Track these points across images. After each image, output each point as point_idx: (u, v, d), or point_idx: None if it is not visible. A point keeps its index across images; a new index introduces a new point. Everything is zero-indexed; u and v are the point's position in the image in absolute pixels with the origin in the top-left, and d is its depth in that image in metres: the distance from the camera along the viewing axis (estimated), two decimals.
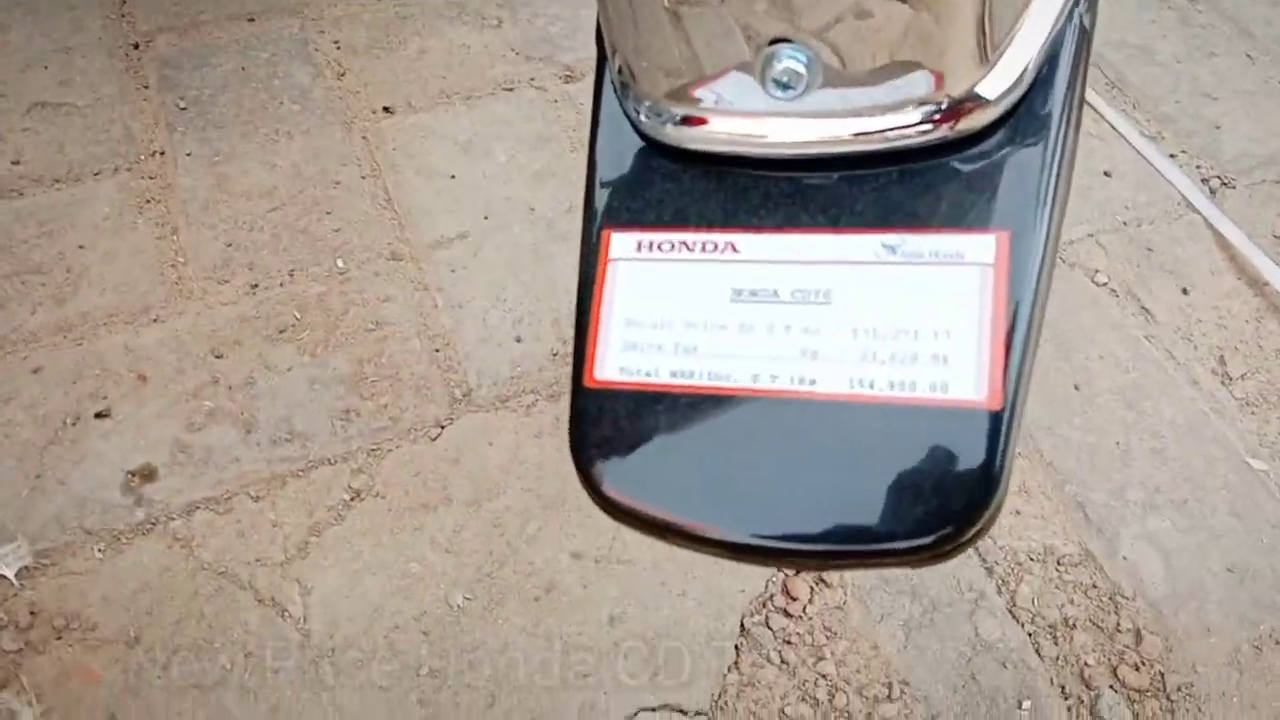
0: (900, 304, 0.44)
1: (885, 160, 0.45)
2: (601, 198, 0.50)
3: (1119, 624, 0.94)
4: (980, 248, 0.43)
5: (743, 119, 0.46)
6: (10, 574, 0.95)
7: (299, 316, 1.14)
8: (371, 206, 1.25)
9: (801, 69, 0.43)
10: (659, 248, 0.48)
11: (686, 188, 0.49)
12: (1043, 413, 1.07)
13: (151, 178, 1.29)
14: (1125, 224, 1.26)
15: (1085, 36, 0.47)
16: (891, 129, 0.44)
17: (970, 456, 0.41)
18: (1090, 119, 1.38)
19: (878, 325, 0.44)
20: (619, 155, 0.50)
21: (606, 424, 0.47)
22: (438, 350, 1.12)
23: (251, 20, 1.47)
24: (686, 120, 0.47)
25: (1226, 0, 1.58)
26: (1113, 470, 1.04)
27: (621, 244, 0.49)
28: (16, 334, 1.12)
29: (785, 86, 0.44)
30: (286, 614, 0.94)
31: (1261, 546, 0.99)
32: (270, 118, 1.35)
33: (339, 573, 0.96)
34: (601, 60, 0.52)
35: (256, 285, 1.17)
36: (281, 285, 1.17)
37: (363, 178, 1.28)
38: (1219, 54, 1.48)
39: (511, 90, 1.41)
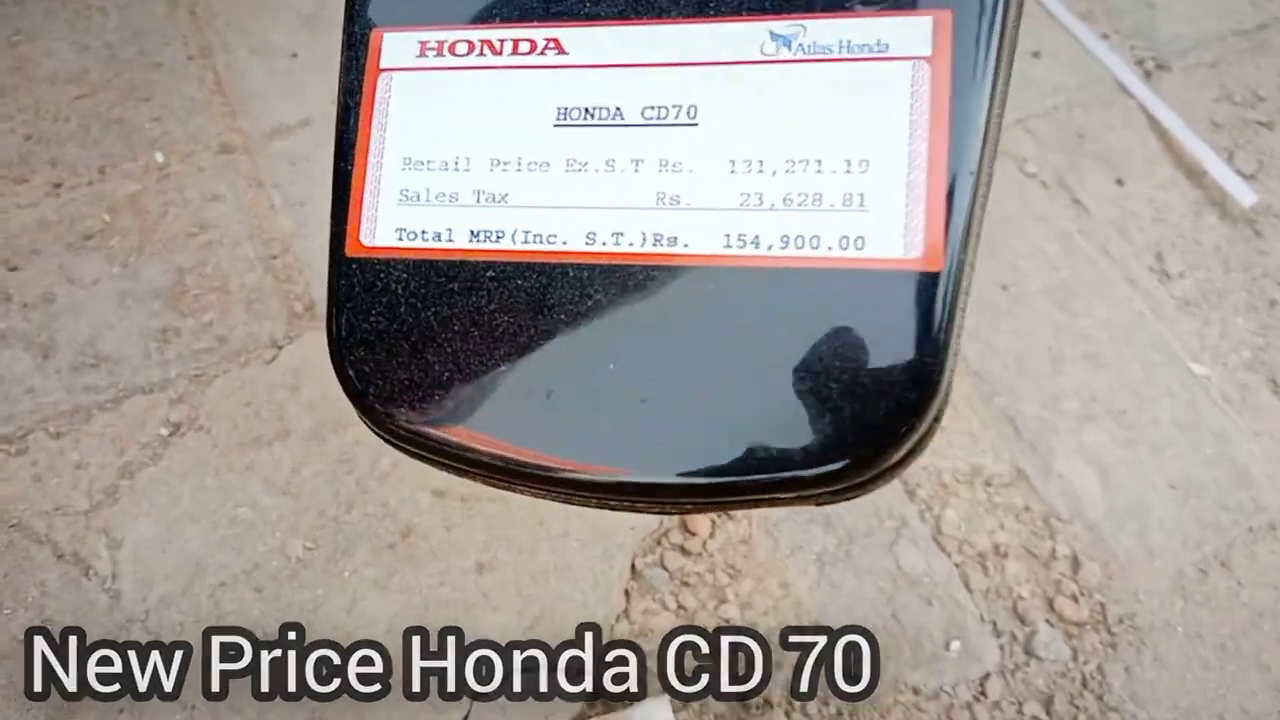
0: (797, 123, 0.30)
1: None
2: None
3: (1054, 550, 0.84)
4: (911, 35, 0.29)
5: None
6: None
7: (109, 220, 0.98)
8: (198, 91, 1.08)
9: None
10: (450, 50, 0.33)
11: None
12: (967, 317, 0.96)
13: None
14: (1055, 108, 1.14)
15: None
16: None
17: (897, 342, 0.29)
18: None
19: (765, 155, 0.30)
20: None
21: (379, 310, 0.34)
22: (274, 257, 0.97)
23: None
24: None
25: None
26: (1044, 379, 0.93)
27: (397, 48, 0.34)
28: None
29: None
30: (92, 572, 0.80)
31: (1204, 459, 0.89)
32: None
33: (154, 521, 0.82)
34: None
35: (60, 184, 1.01)
36: (90, 184, 1.01)
37: (189, 58, 1.12)
38: None
39: None
